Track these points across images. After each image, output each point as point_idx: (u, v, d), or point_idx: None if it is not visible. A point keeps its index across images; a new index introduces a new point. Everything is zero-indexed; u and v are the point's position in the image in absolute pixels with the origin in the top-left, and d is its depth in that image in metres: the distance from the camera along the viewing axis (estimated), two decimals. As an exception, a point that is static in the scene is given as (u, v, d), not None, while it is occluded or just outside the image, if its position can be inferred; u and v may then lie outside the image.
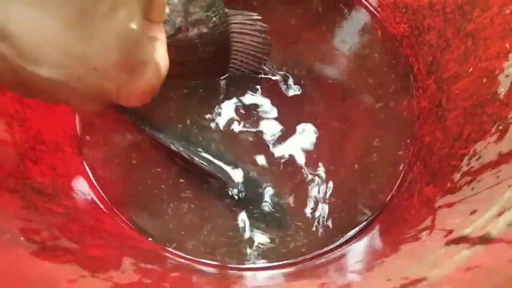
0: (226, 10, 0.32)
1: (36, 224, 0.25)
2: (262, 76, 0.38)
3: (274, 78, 0.39)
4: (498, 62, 0.29)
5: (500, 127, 0.27)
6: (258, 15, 0.34)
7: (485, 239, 0.19)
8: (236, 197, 0.34)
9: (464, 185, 0.27)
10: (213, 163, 0.34)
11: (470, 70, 0.33)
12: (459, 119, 0.33)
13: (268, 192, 0.35)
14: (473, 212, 0.22)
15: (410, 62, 0.41)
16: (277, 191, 0.35)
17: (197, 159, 0.34)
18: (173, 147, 0.34)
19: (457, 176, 0.28)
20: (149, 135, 0.35)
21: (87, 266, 0.24)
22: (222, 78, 0.38)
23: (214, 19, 0.31)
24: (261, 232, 0.34)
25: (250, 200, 0.34)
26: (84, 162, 0.37)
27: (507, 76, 0.28)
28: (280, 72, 0.39)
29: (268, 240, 0.34)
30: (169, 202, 0.35)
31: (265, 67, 0.38)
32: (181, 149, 0.34)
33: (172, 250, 0.34)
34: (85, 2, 0.15)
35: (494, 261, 0.17)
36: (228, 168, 0.34)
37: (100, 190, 0.36)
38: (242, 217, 0.34)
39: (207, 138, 0.36)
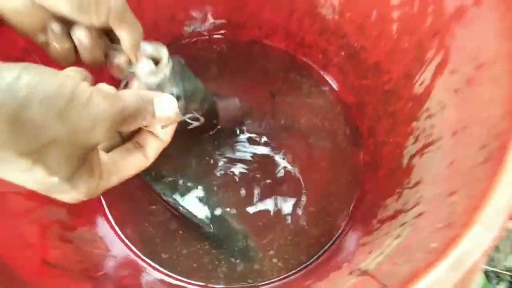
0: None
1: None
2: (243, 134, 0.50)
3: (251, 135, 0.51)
4: (404, 139, 0.41)
5: (399, 190, 0.38)
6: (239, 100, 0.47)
7: (365, 273, 0.30)
8: (210, 238, 0.46)
9: (375, 230, 0.38)
10: (190, 212, 0.45)
11: (391, 140, 0.45)
12: (384, 177, 0.45)
13: (240, 231, 0.46)
14: (370, 252, 0.34)
15: (358, 124, 0.53)
16: (248, 229, 0.46)
17: (180, 208, 0.45)
18: (163, 197, 0.46)
19: (374, 222, 0.40)
20: (148, 185, 0.47)
21: None
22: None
23: (206, 106, 0.43)
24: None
25: (221, 239, 0.45)
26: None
27: (408, 151, 0.40)
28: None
29: (246, 267, 0.46)
30: (166, 235, 0.46)
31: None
32: (169, 199, 0.45)
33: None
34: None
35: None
36: (203, 215, 0.46)
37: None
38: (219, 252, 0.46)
39: (194, 186, 0.47)
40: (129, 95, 0.24)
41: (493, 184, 0.23)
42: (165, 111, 0.26)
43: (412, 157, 0.39)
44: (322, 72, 0.55)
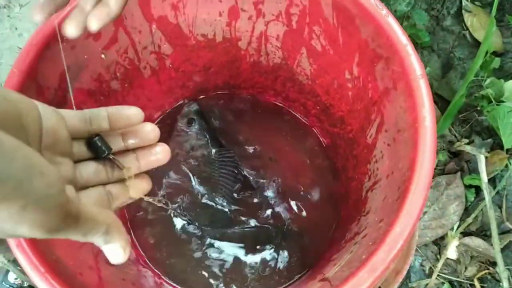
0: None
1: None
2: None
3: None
4: (363, 177, 0.54)
5: (359, 217, 0.51)
6: None
7: (326, 279, 0.42)
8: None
9: (342, 248, 0.50)
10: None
11: (356, 176, 0.57)
12: (352, 206, 0.57)
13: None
14: (334, 265, 0.46)
15: (334, 161, 0.66)
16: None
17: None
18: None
19: (342, 242, 0.52)
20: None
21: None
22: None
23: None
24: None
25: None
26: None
27: (365, 187, 0.52)
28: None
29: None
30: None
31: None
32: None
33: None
34: None
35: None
36: None
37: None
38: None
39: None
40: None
41: (398, 215, 0.36)
42: (113, 259, 0.26)
43: (367, 191, 0.51)
44: (304, 120, 0.68)
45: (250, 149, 0.66)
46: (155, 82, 0.60)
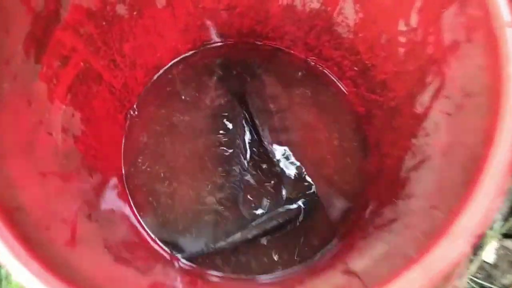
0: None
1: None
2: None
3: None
4: (404, 154, 0.44)
5: (395, 200, 0.42)
6: None
7: (353, 273, 0.34)
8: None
9: (369, 235, 0.42)
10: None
11: (393, 153, 0.48)
12: (384, 187, 0.48)
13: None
14: (360, 254, 0.38)
15: (367, 135, 0.56)
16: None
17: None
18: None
19: (371, 228, 0.44)
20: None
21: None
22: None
23: None
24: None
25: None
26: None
27: (406, 165, 0.43)
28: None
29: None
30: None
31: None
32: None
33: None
34: None
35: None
36: None
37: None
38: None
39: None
40: None
41: (466, 203, 0.27)
42: None
43: (408, 171, 0.42)
44: (337, 83, 0.59)
45: (272, 111, 0.57)
46: (169, 15, 0.51)
